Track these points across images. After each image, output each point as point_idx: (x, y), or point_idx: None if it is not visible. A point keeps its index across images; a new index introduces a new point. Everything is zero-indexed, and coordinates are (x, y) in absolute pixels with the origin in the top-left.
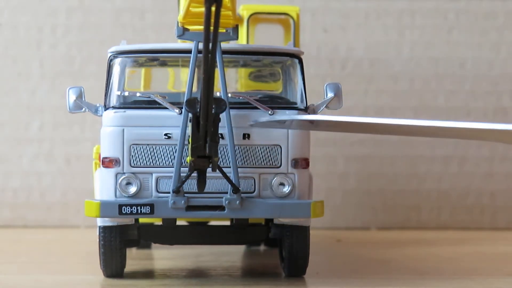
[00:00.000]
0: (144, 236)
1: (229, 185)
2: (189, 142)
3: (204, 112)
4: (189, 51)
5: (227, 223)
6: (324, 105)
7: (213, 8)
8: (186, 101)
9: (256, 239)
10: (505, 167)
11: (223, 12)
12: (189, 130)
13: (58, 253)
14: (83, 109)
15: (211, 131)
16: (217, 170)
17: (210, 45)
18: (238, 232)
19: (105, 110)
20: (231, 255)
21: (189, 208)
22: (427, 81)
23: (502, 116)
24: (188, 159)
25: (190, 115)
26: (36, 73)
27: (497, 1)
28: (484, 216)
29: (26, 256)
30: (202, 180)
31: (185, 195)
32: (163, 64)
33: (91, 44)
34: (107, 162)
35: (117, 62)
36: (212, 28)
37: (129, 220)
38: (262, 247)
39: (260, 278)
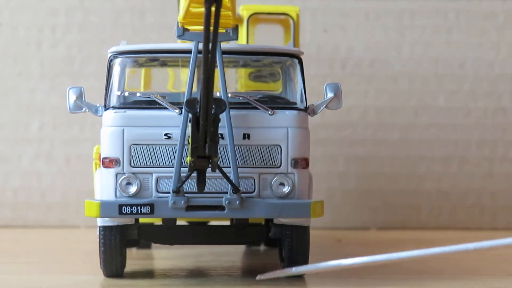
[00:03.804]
0: (144, 236)
1: (229, 185)
2: (189, 142)
3: (204, 112)
4: (189, 51)
5: (227, 223)
6: (324, 105)
7: (213, 8)
8: (186, 101)
9: (256, 239)
10: (505, 167)
11: (223, 12)
12: (189, 130)
13: (58, 253)
14: (83, 109)
15: (211, 131)
16: (217, 170)
17: (210, 45)
18: (238, 232)
19: (105, 110)
20: (231, 255)
21: (189, 208)
22: (427, 81)
23: (502, 116)
24: (188, 159)
25: (190, 115)
26: (36, 73)
27: (497, 1)
28: (484, 216)
29: (26, 256)
30: (202, 180)
31: (185, 195)
32: (163, 64)
33: (91, 44)
34: (107, 162)
35: (117, 62)
36: (212, 28)
37: (129, 220)
38: (262, 247)
39: None
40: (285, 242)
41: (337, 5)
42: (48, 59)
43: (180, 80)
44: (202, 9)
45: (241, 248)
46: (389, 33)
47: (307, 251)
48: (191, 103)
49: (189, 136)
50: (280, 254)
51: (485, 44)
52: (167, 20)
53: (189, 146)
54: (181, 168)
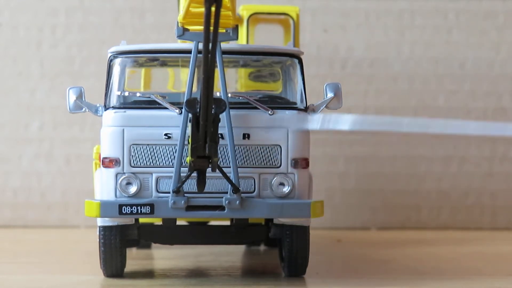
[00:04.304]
0: (144, 236)
1: (229, 185)
2: (189, 142)
3: (203, 112)
4: (189, 51)
5: (227, 223)
6: (324, 105)
7: (213, 8)
8: (186, 101)
9: (256, 239)
10: (505, 167)
11: (223, 12)
12: (189, 130)
13: (58, 253)
14: (83, 109)
15: (211, 131)
16: (217, 170)
17: (210, 45)
18: (238, 232)
19: (105, 110)
20: (231, 255)
21: (189, 208)
22: (427, 81)
23: (502, 116)
24: (188, 159)
25: (190, 115)
26: (36, 73)
27: (497, 1)
28: (484, 216)
29: (26, 256)
30: (202, 180)
31: (185, 195)
32: (163, 64)
33: (91, 44)
34: (107, 162)
35: (117, 62)
36: (212, 28)
37: (129, 220)
38: (262, 247)
39: (260, 278)
40: (285, 242)
41: (337, 5)
42: (48, 59)
43: (180, 80)
44: (202, 9)
45: (241, 248)
46: (389, 33)
47: (307, 251)
48: (191, 103)
49: (189, 136)
50: (280, 254)
51: (485, 44)
52: (167, 20)
53: (189, 146)
54: (181, 168)
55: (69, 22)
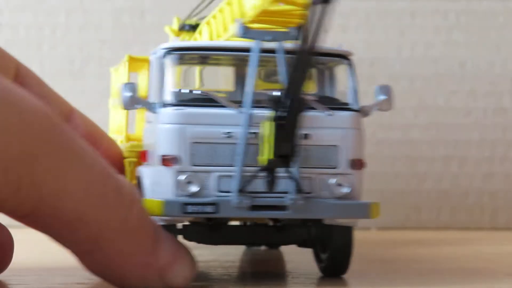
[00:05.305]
0: (189, 236)
1: (293, 185)
2: (254, 142)
3: (292, 111)
4: (246, 50)
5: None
6: (376, 107)
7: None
8: (270, 99)
9: (297, 240)
10: (505, 167)
11: (291, 9)
12: (252, 129)
13: (58, 253)
14: (138, 105)
15: (294, 131)
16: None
17: (306, 44)
18: (282, 232)
19: (162, 107)
20: (231, 255)
21: (253, 207)
22: (427, 81)
23: (502, 116)
24: (263, 158)
25: (250, 114)
26: (36, 73)
27: (497, 1)
28: (484, 216)
29: (26, 256)
30: (273, 180)
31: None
32: (218, 62)
33: (91, 44)
34: (166, 160)
35: (172, 58)
36: (313, 28)
37: (184, 220)
38: (262, 247)
39: (260, 278)
40: (329, 242)
41: (337, 5)
42: (48, 59)
43: (235, 78)
44: (278, 7)
45: (241, 248)
46: (389, 33)
47: (350, 251)
48: (276, 101)
49: (251, 134)
50: (317, 255)
51: (485, 44)
52: (167, 20)
53: (264, 144)
54: (244, 167)
55: (69, 22)
